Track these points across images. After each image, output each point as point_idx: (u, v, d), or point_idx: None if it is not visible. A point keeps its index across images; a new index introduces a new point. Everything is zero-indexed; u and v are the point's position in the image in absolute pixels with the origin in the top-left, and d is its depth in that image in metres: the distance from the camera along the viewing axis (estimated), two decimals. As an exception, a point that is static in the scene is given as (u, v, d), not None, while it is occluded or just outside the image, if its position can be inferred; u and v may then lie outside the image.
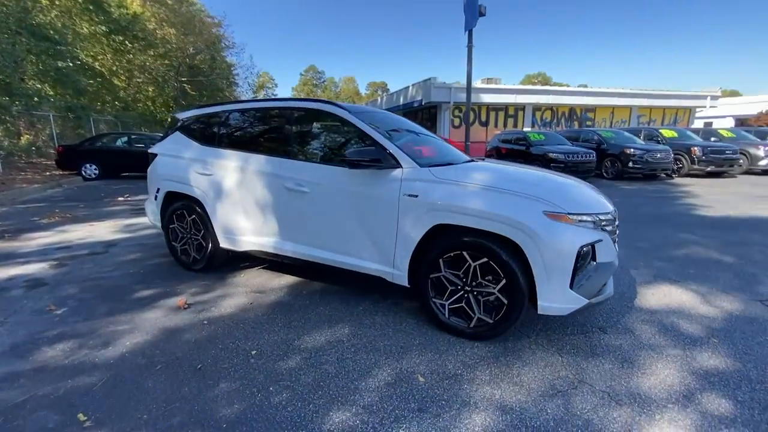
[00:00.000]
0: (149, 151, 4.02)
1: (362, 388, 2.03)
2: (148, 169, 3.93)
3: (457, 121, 20.69)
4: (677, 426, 1.76)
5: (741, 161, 12.06)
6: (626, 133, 12.54)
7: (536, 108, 21.89)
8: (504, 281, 2.30)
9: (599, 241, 2.27)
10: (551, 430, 1.73)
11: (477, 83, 22.91)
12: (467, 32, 8.84)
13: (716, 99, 24.00)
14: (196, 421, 1.78)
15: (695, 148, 11.57)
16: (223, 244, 3.44)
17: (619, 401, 1.92)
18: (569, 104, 22.19)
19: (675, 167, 11.70)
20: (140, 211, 6.50)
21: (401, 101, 22.96)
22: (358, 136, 2.88)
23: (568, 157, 10.43)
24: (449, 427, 1.75)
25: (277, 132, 3.26)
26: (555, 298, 2.23)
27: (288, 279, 3.52)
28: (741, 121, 31.23)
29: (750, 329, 2.61)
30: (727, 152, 11.60)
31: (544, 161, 10.42)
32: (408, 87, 21.93)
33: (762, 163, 12.07)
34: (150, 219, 4.02)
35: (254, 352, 2.36)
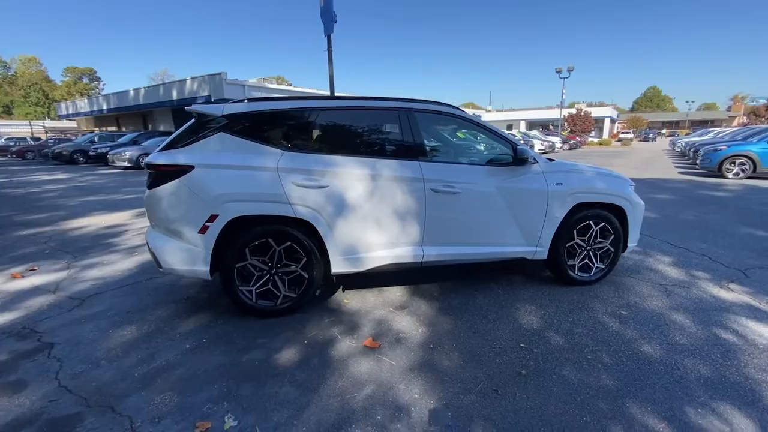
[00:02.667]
0: (164, 162, 2.61)
1: (628, 329, 2.64)
2: (170, 190, 2.58)
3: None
4: (743, 294, 3.35)
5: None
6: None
7: (320, 110, 23.67)
8: (613, 236, 3.37)
9: (638, 200, 3.69)
10: (715, 306, 2.96)
11: (251, 80, 22.54)
12: (326, 37, 9.05)
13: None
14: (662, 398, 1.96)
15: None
16: (340, 268, 2.86)
17: (704, 291, 3.40)
18: (345, 108, 25.21)
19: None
20: None
21: (174, 96, 19.65)
22: (492, 138, 3.19)
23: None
24: (683, 328, 2.69)
25: (402, 134, 2.99)
26: (633, 239, 3.50)
27: (393, 290, 3.31)
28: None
29: (670, 248, 4.77)
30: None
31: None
32: (184, 80, 18.99)
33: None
34: (178, 267, 2.65)
35: (523, 345, 2.46)
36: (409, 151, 2.97)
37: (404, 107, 3.04)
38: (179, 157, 2.62)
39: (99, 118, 29.14)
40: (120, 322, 2.77)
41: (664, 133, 62.14)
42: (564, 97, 31.88)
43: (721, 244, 4.62)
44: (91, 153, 17.08)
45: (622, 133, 46.43)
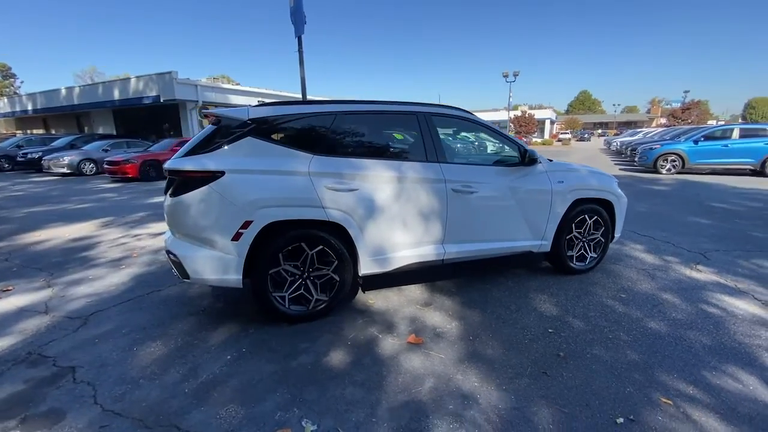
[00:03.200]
0: (192, 168, 2.50)
1: (632, 310, 2.96)
2: (199, 197, 2.48)
3: (206, 123, 18.71)
4: (711, 274, 3.84)
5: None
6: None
7: (277, 112, 23.08)
8: (603, 228, 3.74)
9: (617, 195, 4.11)
10: (693, 286, 3.39)
11: (202, 80, 21.55)
12: (297, 38, 8.87)
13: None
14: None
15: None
16: (368, 269, 2.91)
17: (679, 273, 3.85)
18: (302, 109, 24.78)
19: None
20: None
21: (116, 96, 18.17)
22: (500, 141, 3.41)
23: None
24: (675, 305, 3.07)
25: (422, 137, 3.08)
26: (619, 230, 3.90)
27: (412, 288, 3.42)
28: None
29: (638, 237, 5.28)
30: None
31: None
32: (128, 79, 17.62)
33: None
34: (208, 276, 2.55)
35: (551, 330, 2.68)
36: (430, 153, 3.08)
37: (422, 111, 3.15)
38: (208, 162, 2.53)
39: (22, 120, 26.05)
40: (141, 339, 2.60)
41: (599, 133, 68.12)
42: (510, 99, 33.80)
43: (677, 231, 5.26)
44: (19, 158, 15.27)
45: (562, 133, 50.14)
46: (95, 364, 2.33)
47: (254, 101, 20.53)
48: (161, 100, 16.64)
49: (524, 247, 3.44)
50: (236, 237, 2.52)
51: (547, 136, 51.80)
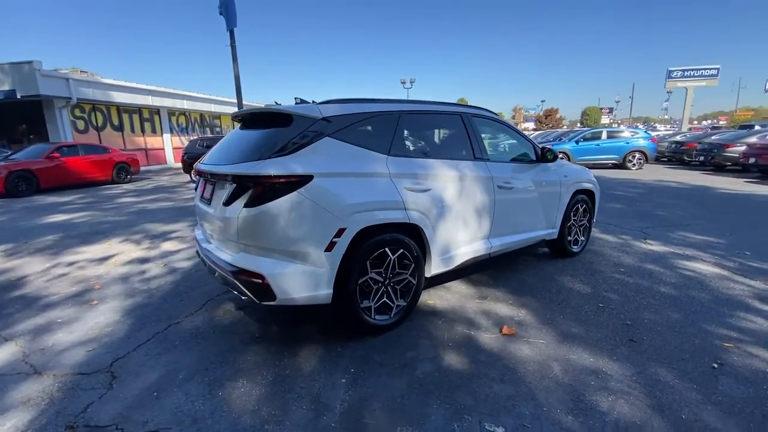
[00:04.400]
0: (278, 173, 2.14)
1: (638, 280, 3.52)
2: (288, 205, 2.16)
3: (82, 124, 15.60)
4: (661, 246, 4.73)
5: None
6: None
7: (171, 113, 20.44)
8: (589, 215, 4.37)
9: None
10: (659, 256, 4.17)
11: (65, 71, 18.21)
12: (229, 32, 7.98)
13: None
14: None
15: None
16: (436, 269, 2.89)
17: (640, 248, 4.66)
18: (200, 111, 22.41)
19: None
20: None
21: (-59, 89, 13.83)
22: (518, 140, 3.70)
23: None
24: (662, 272, 3.77)
25: (468, 136, 3.16)
26: (595, 217, 4.60)
27: (455, 285, 3.51)
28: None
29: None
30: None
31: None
32: (-38, 68, 13.52)
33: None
34: (298, 295, 2.23)
35: (601, 305, 3.05)
36: (476, 152, 3.21)
37: (465, 112, 3.25)
38: (294, 165, 2.22)
39: None
40: (216, 382, 2.15)
41: None
42: (410, 104, 35.90)
43: (609, 215, 6.37)
44: None
45: (451, 136, 55.37)
46: (183, 421, 1.86)
47: (143, 99, 17.77)
48: (18, 96, 13.23)
49: (541, 236, 3.82)
50: (329, 247, 2.28)
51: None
